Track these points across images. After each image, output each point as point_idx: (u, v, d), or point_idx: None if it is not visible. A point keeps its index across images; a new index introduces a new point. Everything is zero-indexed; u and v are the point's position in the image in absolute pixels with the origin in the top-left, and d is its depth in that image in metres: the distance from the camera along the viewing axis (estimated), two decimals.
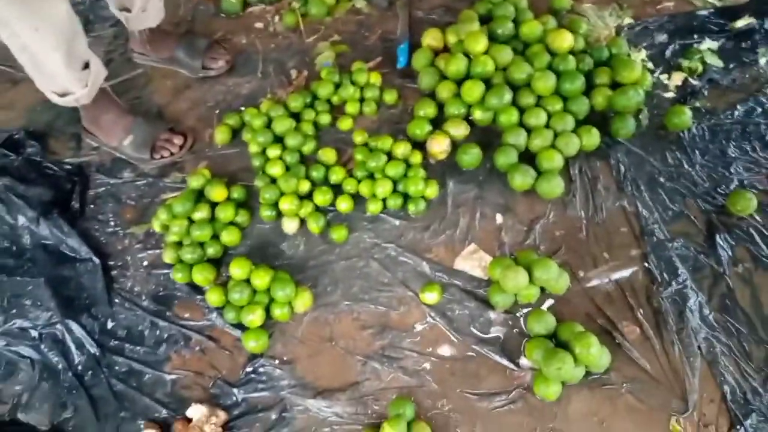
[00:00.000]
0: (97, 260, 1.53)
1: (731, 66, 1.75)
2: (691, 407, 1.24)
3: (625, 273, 1.41)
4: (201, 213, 1.53)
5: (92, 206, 1.65)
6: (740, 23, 1.84)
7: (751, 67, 1.75)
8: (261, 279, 1.41)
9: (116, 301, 1.50)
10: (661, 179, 1.54)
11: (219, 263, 1.52)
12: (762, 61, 1.76)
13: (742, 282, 1.38)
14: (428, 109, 1.66)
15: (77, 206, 1.64)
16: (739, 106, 1.65)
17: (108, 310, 1.49)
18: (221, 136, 1.69)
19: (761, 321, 1.33)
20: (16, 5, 1.24)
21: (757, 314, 1.34)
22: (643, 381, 1.28)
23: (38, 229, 1.53)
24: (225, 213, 1.53)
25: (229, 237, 1.52)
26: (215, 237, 1.53)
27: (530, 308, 1.37)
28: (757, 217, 1.45)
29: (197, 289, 1.50)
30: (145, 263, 1.55)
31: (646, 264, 1.41)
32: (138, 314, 1.48)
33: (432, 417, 1.30)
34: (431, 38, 1.79)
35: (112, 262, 1.56)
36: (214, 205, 1.55)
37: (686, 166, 1.56)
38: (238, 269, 1.43)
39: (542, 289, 1.37)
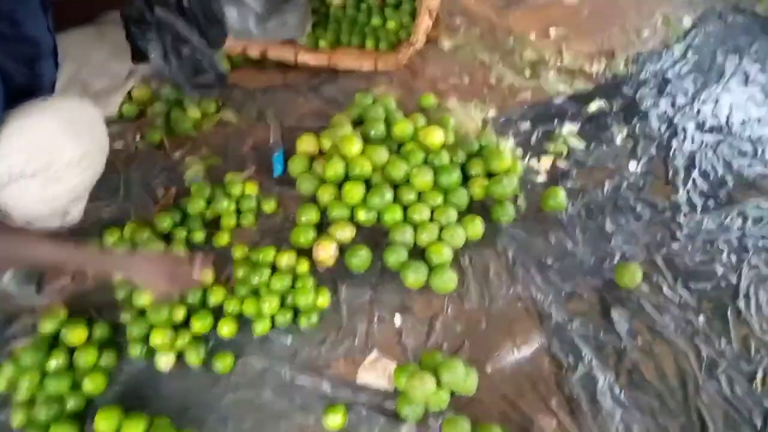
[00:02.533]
0: None
1: (592, 146, 1.86)
2: None
3: (531, 359, 1.36)
4: (56, 361, 1.31)
5: None
6: (592, 107, 1.99)
7: (609, 146, 1.87)
8: (134, 431, 1.20)
9: None
10: (549, 261, 1.55)
11: (83, 418, 1.29)
12: (618, 139, 1.89)
13: (644, 355, 1.37)
14: (311, 215, 1.59)
15: None
16: (607, 182, 1.74)
17: None
18: None
19: (669, 392, 1.31)
20: None
21: (665, 385, 1.32)
22: None
23: None
24: (86, 357, 1.32)
25: (93, 384, 1.30)
26: (76, 387, 1.31)
27: (442, 416, 1.26)
28: (645, 288, 1.48)
29: None
30: None
31: (551, 349, 1.38)
32: None
33: None
34: (306, 144, 1.75)
35: None
36: (72, 350, 1.34)
37: (570, 245, 1.58)
38: (104, 422, 1.21)
39: (452, 393, 1.28)
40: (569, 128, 1.91)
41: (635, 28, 2.40)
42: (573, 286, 1.50)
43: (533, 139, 1.88)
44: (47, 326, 1.36)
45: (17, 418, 1.26)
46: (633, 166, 1.81)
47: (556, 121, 1.94)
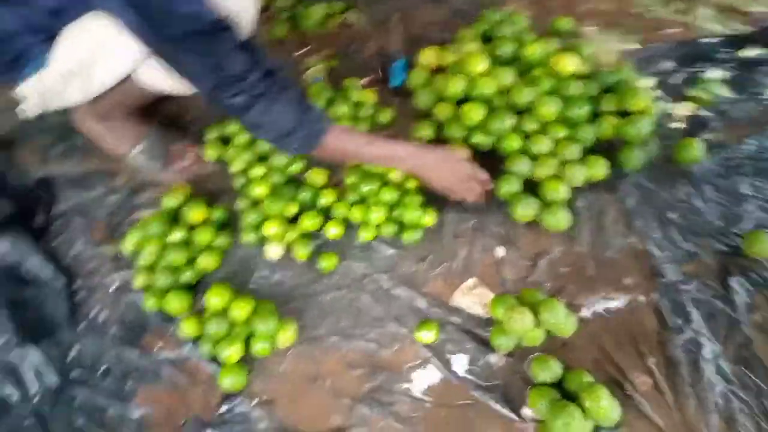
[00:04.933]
0: (61, 282, 1.40)
1: (741, 97, 1.68)
2: None
3: (634, 311, 1.32)
4: (176, 235, 1.40)
5: (58, 223, 1.52)
6: (748, 53, 1.78)
7: (760, 100, 1.68)
8: (241, 310, 1.28)
9: (81, 327, 1.37)
10: (672, 216, 1.45)
11: (195, 290, 1.40)
12: None
13: (760, 331, 1.28)
14: (426, 131, 1.56)
15: (42, 222, 1.51)
16: (750, 141, 1.58)
17: (71, 337, 1.36)
18: (211, 151, 1.56)
19: None
20: None
21: None
22: None
23: None
24: (203, 236, 1.40)
25: (207, 262, 1.39)
26: (191, 261, 1.40)
27: (535, 353, 1.26)
28: None
29: (170, 318, 1.36)
30: (114, 287, 1.42)
31: (658, 307, 1.32)
32: (104, 343, 1.35)
33: None
34: (428, 56, 1.69)
35: (77, 285, 1.43)
36: (191, 227, 1.42)
37: (698, 202, 1.47)
38: (216, 298, 1.30)
39: (547, 332, 1.27)
40: (717, 74, 1.73)
41: None
42: (694, 246, 1.40)
43: (676, 80, 1.71)
44: (171, 201, 1.45)
45: (139, 280, 1.38)
46: None
47: (704, 64, 1.75)
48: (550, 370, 1.21)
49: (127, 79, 1.26)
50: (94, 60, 1.19)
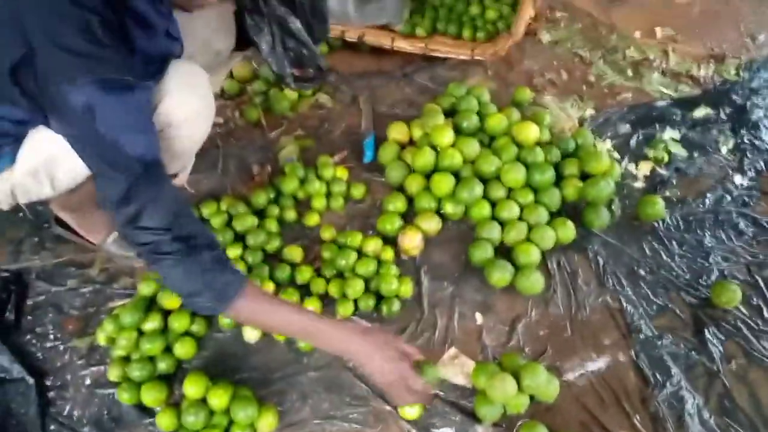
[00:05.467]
0: (30, 380, 1.35)
1: (695, 155, 1.77)
2: None
3: (615, 371, 1.32)
4: (152, 323, 1.38)
5: (29, 317, 1.48)
6: (698, 113, 1.88)
7: (714, 156, 1.77)
8: (219, 398, 1.25)
9: (51, 428, 1.31)
10: (641, 272, 1.49)
11: (171, 380, 1.36)
12: (723, 149, 1.78)
13: (737, 380, 1.30)
14: (398, 204, 1.59)
15: (12, 318, 1.47)
16: (708, 194, 1.65)
17: None
18: None
19: (763, 422, 1.24)
20: None
21: (758, 415, 1.25)
22: None
23: None
24: (179, 322, 1.38)
25: (184, 349, 1.36)
26: (168, 350, 1.38)
27: (520, 420, 1.25)
28: (743, 309, 1.40)
29: (147, 411, 1.32)
30: (88, 382, 1.37)
31: (637, 363, 1.33)
32: None
33: None
34: (396, 132, 1.76)
35: (49, 382, 1.38)
36: (167, 314, 1.41)
37: (665, 257, 1.52)
38: (192, 387, 1.27)
39: (531, 397, 1.26)
40: (671, 134, 1.82)
41: (750, 32, 2.25)
42: (665, 300, 1.44)
43: (632, 142, 1.80)
44: (146, 289, 1.44)
45: (113, 373, 1.34)
46: (738, 179, 1.71)
47: (657, 125, 1.85)
48: None
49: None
50: (57, 160, 1.20)
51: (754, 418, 1.25)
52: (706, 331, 1.37)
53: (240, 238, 1.54)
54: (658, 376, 1.31)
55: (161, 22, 1.08)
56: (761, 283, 1.46)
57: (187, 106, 1.17)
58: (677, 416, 1.25)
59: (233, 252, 1.49)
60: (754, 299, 1.44)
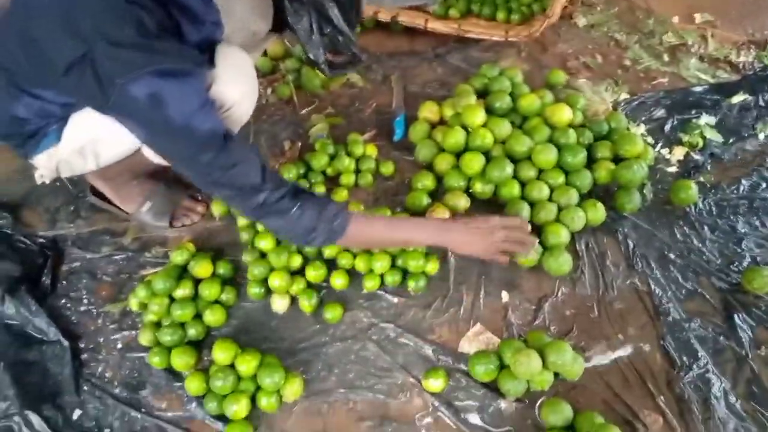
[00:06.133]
0: (65, 342, 1.39)
1: (731, 140, 1.73)
2: None
3: (641, 352, 1.31)
4: (183, 290, 1.41)
5: (65, 282, 1.53)
6: (735, 99, 1.84)
7: (750, 142, 1.73)
8: (247, 364, 1.28)
9: (85, 388, 1.35)
10: (672, 255, 1.47)
11: (200, 346, 1.39)
12: (761, 135, 1.74)
13: (766, 366, 1.28)
14: (426, 182, 1.60)
15: (48, 283, 1.52)
16: (743, 181, 1.62)
17: (75, 398, 1.34)
18: (220, 207, 1.59)
19: None
20: None
21: None
22: None
23: (3, 308, 1.39)
24: (210, 290, 1.41)
25: (214, 317, 1.39)
26: (197, 317, 1.41)
27: (544, 396, 1.25)
28: None
29: (176, 375, 1.35)
30: (119, 346, 1.41)
31: (664, 346, 1.32)
32: (108, 403, 1.33)
33: None
34: (428, 111, 1.76)
35: (82, 345, 1.42)
36: (197, 282, 1.44)
37: (696, 242, 1.50)
38: (222, 353, 1.30)
39: (555, 375, 1.26)
40: (707, 119, 1.78)
41: None
42: (695, 284, 1.42)
43: (667, 127, 1.77)
44: (178, 257, 1.47)
45: (145, 337, 1.38)
46: None
47: (693, 110, 1.81)
48: (561, 414, 1.19)
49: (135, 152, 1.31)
50: (101, 139, 1.24)
51: None
52: (735, 316, 1.35)
53: None
54: (684, 358, 1.29)
55: (207, 12, 1.10)
56: None
57: (236, 88, 1.20)
58: (703, 399, 1.23)
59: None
60: None
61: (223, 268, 1.47)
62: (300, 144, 1.75)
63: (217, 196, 1.27)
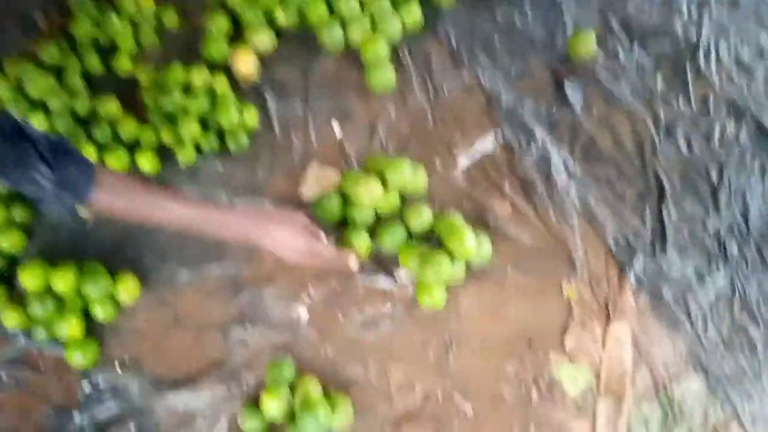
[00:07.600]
0: None
1: None
2: (579, 268, 1.16)
3: (484, 148, 1.27)
4: None
5: None
6: None
7: None
8: (63, 281, 1.11)
9: None
10: (496, 42, 1.39)
11: (8, 278, 1.20)
12: None
13: (600, 126, 1.29)
14: (220, 22, 1.37)
15: None
16: None
17: None
18: None
19: (627, 160, 1.25)
20: None
21: (622, 154, 1.26)
22: (527, 256, 1.17)
23: None
24: None
25: (10, 242, 1.18)
26: None
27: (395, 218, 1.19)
28: (600, 56, 1.35)
29: None
30: None
31: (504, 134, 1.28)
32: None
33: (316, 368, 1.11)
34: None
35: None
36: None
37: (518, 21, 1.42)
38: (30, 279, 1.12)
39: (401, 196, 1.20)
40: None
41: None
42: (523, 64, 1.36)
43: None
44: None
45: None
46: None
47: None
48: (421, 217, 1.15)
49: None
50: None
51: (617, 158, 1.26)
52: (566, 85, 1.32)
53: (40, 105, 1.29)
54: (523, 142, 1.27)
55: None
56: (615, 25, 1.40)
57: None
58: (545, 174, 1.23)
59: (37, 121, 1.25)
60: (610, 43, 1.38)
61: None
62: (57, 14, 1.42)
63: None
